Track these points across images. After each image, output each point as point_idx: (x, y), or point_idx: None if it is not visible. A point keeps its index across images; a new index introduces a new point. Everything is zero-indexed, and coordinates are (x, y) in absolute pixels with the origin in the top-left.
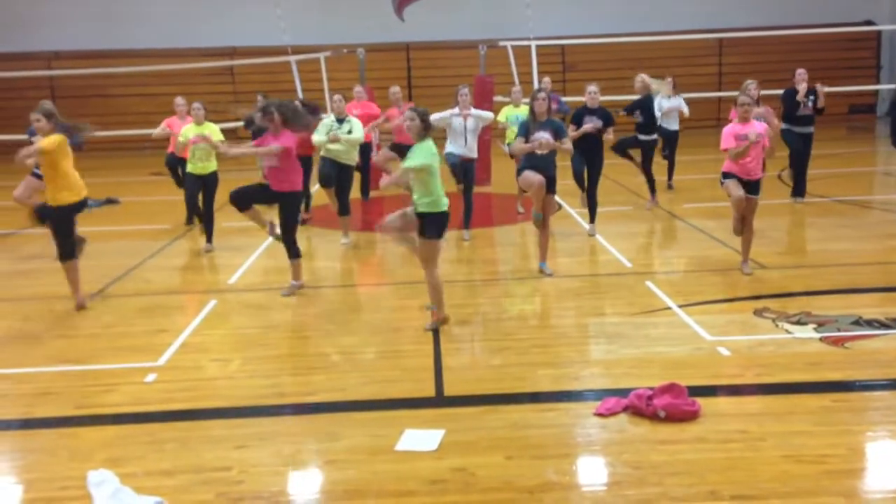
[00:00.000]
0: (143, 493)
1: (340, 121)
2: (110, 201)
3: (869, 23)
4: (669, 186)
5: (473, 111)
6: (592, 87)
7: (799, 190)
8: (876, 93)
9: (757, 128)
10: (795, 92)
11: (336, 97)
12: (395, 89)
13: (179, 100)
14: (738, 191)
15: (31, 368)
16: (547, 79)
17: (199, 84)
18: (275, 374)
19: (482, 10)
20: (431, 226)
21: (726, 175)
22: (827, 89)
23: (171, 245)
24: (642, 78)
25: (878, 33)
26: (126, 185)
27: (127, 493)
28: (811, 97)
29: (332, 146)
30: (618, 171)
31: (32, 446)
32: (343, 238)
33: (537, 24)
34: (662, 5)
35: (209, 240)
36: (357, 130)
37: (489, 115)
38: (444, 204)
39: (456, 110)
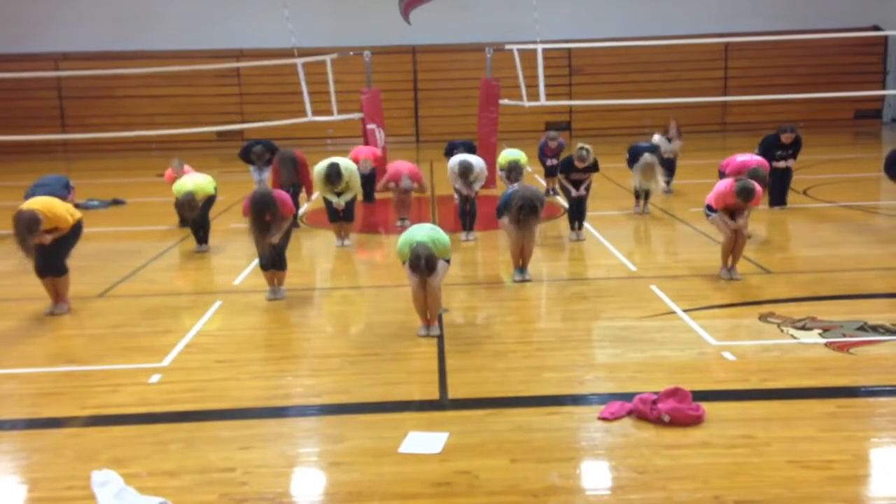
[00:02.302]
0: (147, 493)
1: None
2: (116, 202)
3: (876, 28)
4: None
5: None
6: (584, 151)
7: (780, 199)
8: (882, 98)
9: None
10: (777, 140)
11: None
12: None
13: (175, 163)
14: (727, 229)
15: (36, 368)
16: (558, 136)
17: (207, 86)
18: (279, 375)
19: (488, 13)
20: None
21: (712, 209)
22: (830, 94)
23: (176, 246)
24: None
25: (886, 38)
26: (132, 185)
27: (131, 493)
28: (790, 151)
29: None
30: (622, 175)
31: (37, 446)
32: (345, 240)
33: (544, 27)
34: (669, 9)
35: (205, 241)
36: (352, 181)
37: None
38: None
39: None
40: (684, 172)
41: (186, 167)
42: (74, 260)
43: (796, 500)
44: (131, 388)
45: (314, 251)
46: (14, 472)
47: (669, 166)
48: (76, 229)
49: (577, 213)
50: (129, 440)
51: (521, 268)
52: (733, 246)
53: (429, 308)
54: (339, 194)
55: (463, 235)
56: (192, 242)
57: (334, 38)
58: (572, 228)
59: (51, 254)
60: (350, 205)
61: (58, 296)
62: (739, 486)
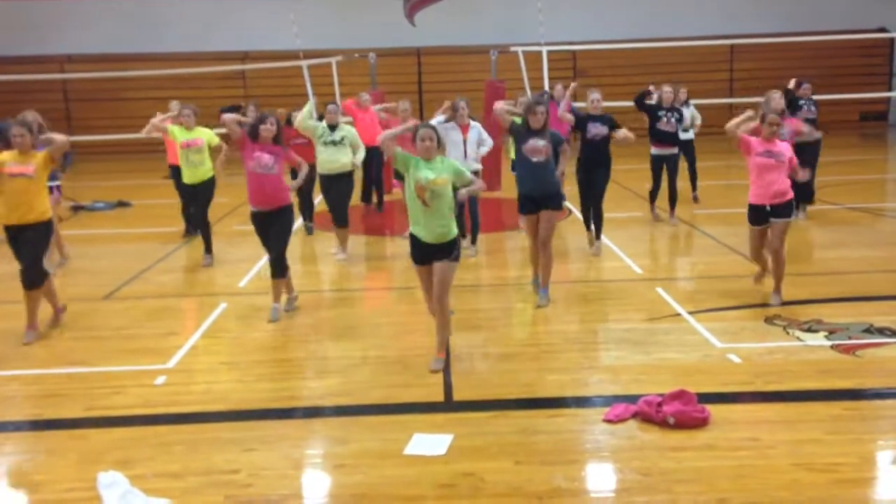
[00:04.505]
0: (153, 495)
1: (332, 128)
2: (122, 204)
3: (882, 30)
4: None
5: (478, 128)
6: (595, 95)
7: (806, 196)
8: (888, 100)
9: (783, 149)
10: (795, 98)
11: (331, 107)
12: (406, 105)
13: (174, 104)
14: (755, 241)
15: (41, 370)
16: (560, 86)
17: (212, 88)
18: (284, 377)
19: (493, 15)
20: (458, 246)
21: (752, 209)
22: (836, 96)
23: (181, 248)
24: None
25: (892, 40)
26: (138, 188)
27: (136, 494)
28: (810, 103)
29: (322, 157)
30: (629, 178)
31: (42, 448)
32: (339, 253)
33: (548, 29)
34: (674, 11)
35: (208, 250)
36: (350, 136)
37: (490, 142)
38: None
39: (451, 124)
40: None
41: (186, 111)
42: (80, 261)
43: (802, 503)
44: (136, 389)
45: (319, 253)
46: (19, 474)
47: (689, 163)
48: (50, 226)
49: (593, 218)
50: (134, 442)
51: (542, 286)
52: (767, 249)
53: (437, 325)
54: (335, 143)
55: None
56: (196, 246)
57: (339, 40)
58: (588, 229)
59: (29, 256)
60: (342, 206)
61: (51, 303)
62: (744, 489)
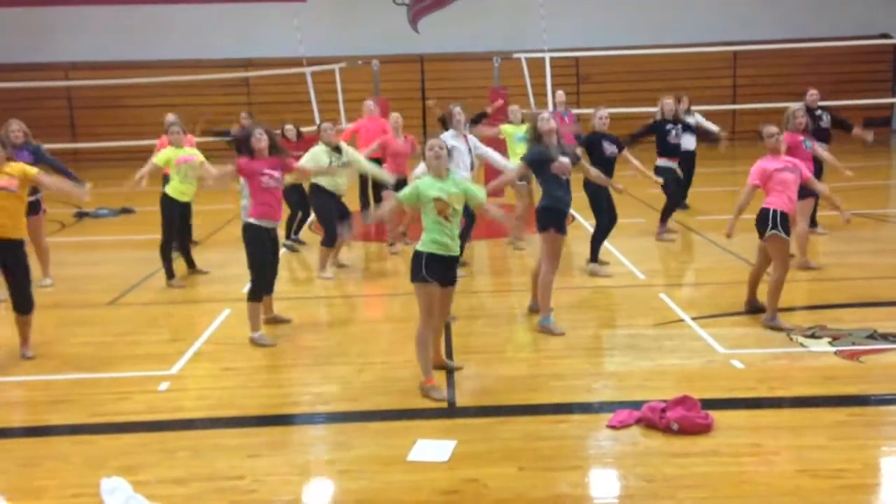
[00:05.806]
0: (156, 501)
1: (336, 150)
2: (125, 210)
3: (885, 36)
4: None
5: (474, 140)
6: (604, 112)
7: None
8: (891, 106)
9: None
10: (808, 109)
11: (326, 125)
12: (396, 116)
13: (171, 117)
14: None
15: (46, 376)
16: (560, 92)
17: (215, 95)
18: (287, 383)
19: (497, 22)
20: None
21: (777, 217)
22: (840, 102)
23: None
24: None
25: (894, 46)
26: (141, 194)
27: (140, 500)
28: (823, 113)
29: (329, 177)
30: (630, 184)
31: (46, 453)
32: (341, 262)
33: (551, 36)
34: (677, 18)
35: (191, 264)
36: (354, 158)
37: (498, 158)
38: None
39: (451, 133)
40: (694, 181)
41: (175, 128)
42: (84, 267)
43: None
44: (140, 395)
45: (314, 262)
46: (23, 480)
47: (687, 173)
48: (23, 249)
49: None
50: (137, 448)
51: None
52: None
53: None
54: (346, 165)
55: None
56: (200, 252)
57: (343, 47)
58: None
59: (20, 278)
60: (349, 218)
61: (24, 338)
62: (748, 495)
